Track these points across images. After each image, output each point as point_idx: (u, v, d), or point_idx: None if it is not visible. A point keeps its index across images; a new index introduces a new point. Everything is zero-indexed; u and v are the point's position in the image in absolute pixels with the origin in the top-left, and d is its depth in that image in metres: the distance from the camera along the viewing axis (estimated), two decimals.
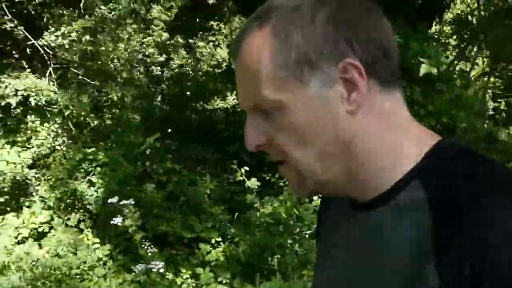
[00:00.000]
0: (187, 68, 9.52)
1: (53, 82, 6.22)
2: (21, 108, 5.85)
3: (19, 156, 5.47)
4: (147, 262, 3.55)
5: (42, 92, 5.55)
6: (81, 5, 6.51)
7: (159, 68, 8.91)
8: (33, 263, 4.28)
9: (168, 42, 8.96)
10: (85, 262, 4.18)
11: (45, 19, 6.42)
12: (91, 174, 5.65)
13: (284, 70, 0.68)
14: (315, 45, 0.67)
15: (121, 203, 3.85)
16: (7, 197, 5.60)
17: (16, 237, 5.07)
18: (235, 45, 0.74)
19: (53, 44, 6.11)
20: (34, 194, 5.67)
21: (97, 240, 4.39)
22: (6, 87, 5.47)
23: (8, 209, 5.59)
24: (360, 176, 0.71)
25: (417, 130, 0.73)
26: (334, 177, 0.72)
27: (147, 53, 8.57)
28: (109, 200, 4.03)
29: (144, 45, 8.40)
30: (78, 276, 4.31)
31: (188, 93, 8.33)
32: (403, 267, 0.65)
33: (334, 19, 0.68)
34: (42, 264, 4.35)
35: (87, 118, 6.15)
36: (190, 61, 9.71)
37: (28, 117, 6.04)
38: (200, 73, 9.43)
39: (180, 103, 8.05)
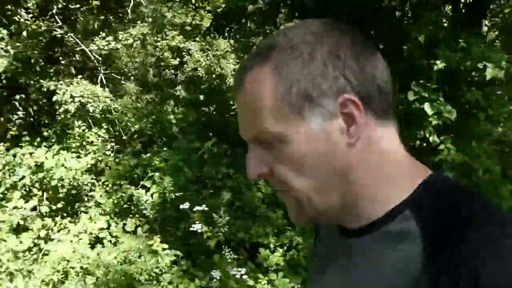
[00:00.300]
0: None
1: (104, 88, 6.28)
2: (77, 114, 5.91)
3: (79, 162, 5.52)
4: (226, 268, 3.57)
5: (99, 98, 5.60)
6: (129, 11, 6.56)
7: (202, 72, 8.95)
8: (105, 268, 4.33)
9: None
10: (156, 267, 4.22)
11: (95, 26, 6.48)
12: (145, 180, 5.71)
13: (285, 105, 0.71)
14: (315, 82, 0.71)
15: (194, 209, 3.88)
16: (63, 202, 5.67)
17: (77, 243, 5.13)
18: (237, 79, 0.77)
19: (103, 52, 6.17)
20: (89, 200, 5.73)
21: (166, 245, 4.42)
22: (63, 93, 5.53)
23: (65, 214, 5.66)
24: (354, 205, 0.75)
25: (410, 163, 0.77)
26: (331, 206, 0.75)
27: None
28: (181, 206, 4.06)
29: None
30: (147, 282, 4.35)
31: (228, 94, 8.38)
32: None
33: (332, 57, 0.71)
34: (113, 269, 4.39)
35: (139, 124, 6.20)
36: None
37: (77, 122, 6.11)
38: None
39: (221, 107, 8.09)
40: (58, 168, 5.33)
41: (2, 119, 6.78)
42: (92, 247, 4.93)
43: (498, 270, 0.58)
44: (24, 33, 5.70)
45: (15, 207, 5.32)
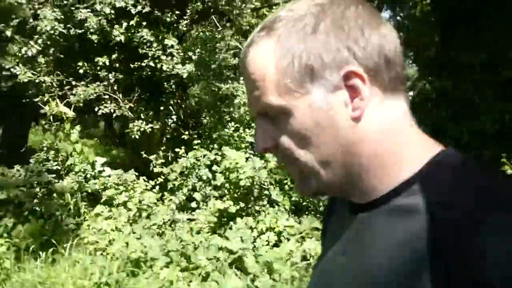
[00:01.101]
0: None
1: None
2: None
3: (262, 161, 5.64)
4: None
5: None
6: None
7: None
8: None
9: None
10: None
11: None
12: None
13: (288, 78, 0.71)
14: (317, 54, 0.69)
15: None
16: (244, 202, 5.82)
17: (267, 241, 5.25)
18: (243, 52, 0.76)
19: None
20: (265, 198, 5.85)
21: None
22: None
23: (243, 214, 5.81)
24: (361, 179, 0.73)
25: (420, 137, 0.74)
26: (337, 180, 0.74)
27: None
28: None
29: None
30: None
31: None
32: (396, 270, 0.66)
33: (336, 28, 0.70)
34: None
35: None
36: None
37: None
38: None
39: None
40: (242, 168, 5.47)
41: (159, 123, 7.07)
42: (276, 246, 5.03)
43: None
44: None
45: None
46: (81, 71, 6.42)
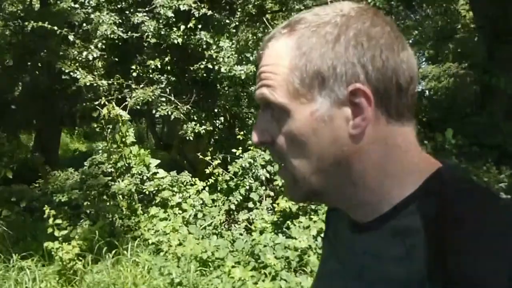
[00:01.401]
0: None
1: None
2: None
3: None
4: None
5: None
6: None
7: None
8: None
9: None
10: None
11: None
12: None
13: (298, 80, 0.71)
14: (331, 64, 0.69)
15: None
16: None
17: None
18: (262, 45, 0.77)
19: None
20: None
21: None
22: None
23: (300, 213, 5.81)
24: (355, 196, 0.73)
25: (420, 158, 0.74)
26: (326, 191, 0.74)
27: None
28: None
29: None
30: None
31: None
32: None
33: (356, 42, 0.69)
34: None
35: None
36: None
37: None
38: None
39: None
40: None
41: (210, 124, 7.11)
42: None
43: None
44: None
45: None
46: (134, 74, 6.49)
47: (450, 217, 0.65)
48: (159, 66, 6.50)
